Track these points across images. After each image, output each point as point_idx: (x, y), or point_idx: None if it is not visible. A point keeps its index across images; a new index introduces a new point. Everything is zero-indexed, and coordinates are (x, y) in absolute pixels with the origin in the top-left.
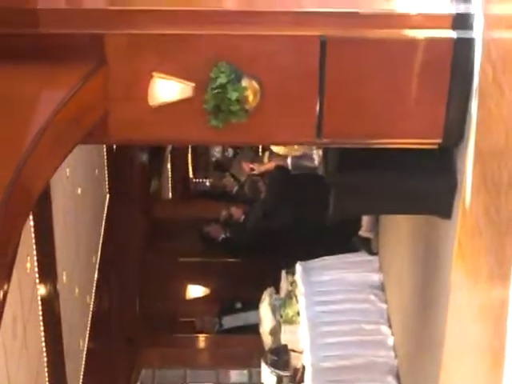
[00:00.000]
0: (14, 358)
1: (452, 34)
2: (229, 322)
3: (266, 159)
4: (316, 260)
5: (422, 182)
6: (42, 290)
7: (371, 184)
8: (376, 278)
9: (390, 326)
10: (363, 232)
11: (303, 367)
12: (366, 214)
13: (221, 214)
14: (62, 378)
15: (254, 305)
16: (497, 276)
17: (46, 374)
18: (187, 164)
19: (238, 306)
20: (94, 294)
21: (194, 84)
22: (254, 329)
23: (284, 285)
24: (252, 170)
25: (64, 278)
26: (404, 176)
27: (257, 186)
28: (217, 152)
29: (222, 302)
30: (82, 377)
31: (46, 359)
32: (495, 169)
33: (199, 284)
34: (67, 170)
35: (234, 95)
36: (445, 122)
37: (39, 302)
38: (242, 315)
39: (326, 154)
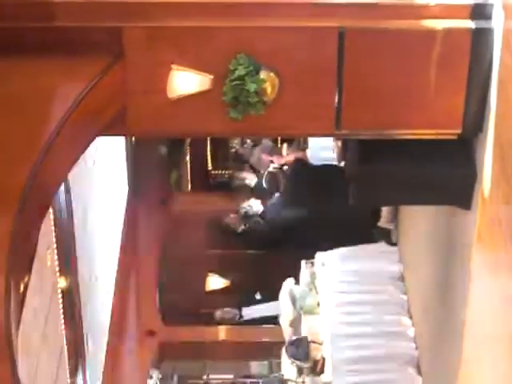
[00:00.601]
0: (34, 350)
1: (471, 24)
2: (249, 313)
3: (284, 151)
4: (336, 251)
5: (441, 172)
6: (62, 283)
7: (391, 175)
8: (396, 268)
9: (411, 317)
10: (383, 223)
11: (323, 358)
12: (386, 205)
13: (240, 205)
14: (82, 370)
15: (274, 296)
16: None
17: (67, 366)
18: (206, 156)
19: (258, 297)
20: (114, 287)
21: (212, 76)
22: (274, 320)
23: (304, 276)
24: (271, 162)
25: (84, 270)
26: (424, 167)
27: (276, 179)
28: (235, 144)
29: (242, 294)
30: (102, 369)
31: (66, 351)
32: None
33: (219, 276)
34: (87, 163)
35: (252, 87)
36: (464, 112)
37: (60, 295)
38: (261, 306)
39: (345, 145)
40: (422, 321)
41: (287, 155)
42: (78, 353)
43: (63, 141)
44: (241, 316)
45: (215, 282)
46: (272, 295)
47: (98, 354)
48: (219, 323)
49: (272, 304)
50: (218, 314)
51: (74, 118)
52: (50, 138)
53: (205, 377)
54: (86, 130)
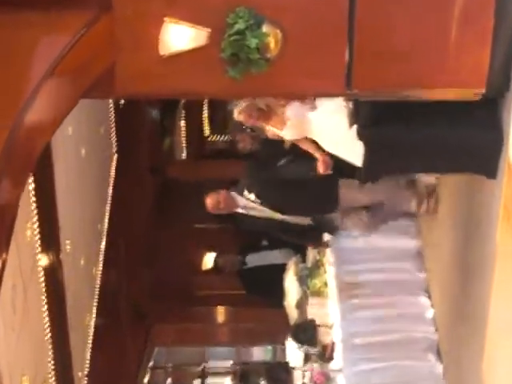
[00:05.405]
0: (14, 333)
1: None
2: (253, 260)
3: None
4: None
5: (464, 137)
6: (43, 261)
7: (408, 139)
8: (413, 244)
9: (430, 298)
10: None
11: (333, 343)
12: (402, 173)
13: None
14: (66, 354)
15: (281, 244)
16: None
17: (51, 352)
18: (203, 121)
19: (265, 243)
20: (101, 265)
21: (209, 30)
22: (279, 269)
23: (311, 253)
24: None
25: (68, 247)
26: (444, 131)
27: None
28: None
29: (246, 243)
30: (89, 353)
31: (49, 334)
32: None
33: (216, 252)
34: (70, 129)
35: (253, 42)
36: (489, 69)
37: (41, 273)
38: (267, 253)
39: (357, 106)
40: (442, 301)
41: None
42: (62, 336)
43: (46, 97)
44: (244, 263)
45: (212, 260)
46: (279, 242)
47: (84, 338)
48: (220, 271)
49: (278, 251)
50: (220, 260)
51: (59, 72)
52: (33, 93)
53: (203, 364)
54: (70, 86)
